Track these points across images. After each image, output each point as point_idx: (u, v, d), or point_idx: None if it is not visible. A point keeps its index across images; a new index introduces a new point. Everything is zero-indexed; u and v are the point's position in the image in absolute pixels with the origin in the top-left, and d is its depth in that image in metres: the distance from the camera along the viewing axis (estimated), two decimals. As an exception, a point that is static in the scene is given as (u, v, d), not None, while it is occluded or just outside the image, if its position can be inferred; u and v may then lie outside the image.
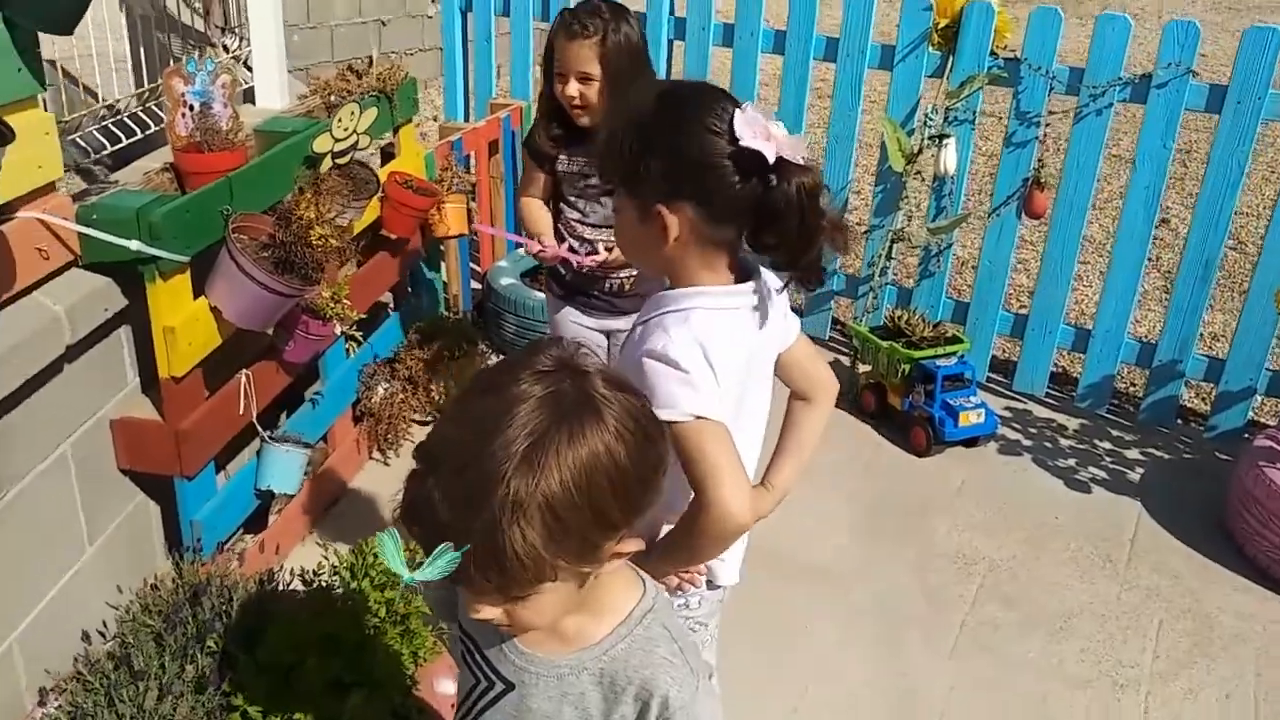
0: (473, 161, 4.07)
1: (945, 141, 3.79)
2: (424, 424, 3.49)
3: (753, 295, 1.58)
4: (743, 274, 1.57)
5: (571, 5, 2.53)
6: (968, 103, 3.79)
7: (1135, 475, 3.59)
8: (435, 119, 6.20)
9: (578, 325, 2.63)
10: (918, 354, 3.65)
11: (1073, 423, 3.88)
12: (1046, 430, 3.83)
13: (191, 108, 2.62)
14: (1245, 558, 3.18)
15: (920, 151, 3.85)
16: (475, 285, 4.30)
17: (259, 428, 2.71)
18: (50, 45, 3.06)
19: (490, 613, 1.16)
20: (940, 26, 3.76)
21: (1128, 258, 3.78)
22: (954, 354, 3.69)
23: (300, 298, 2.61)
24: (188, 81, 2.61)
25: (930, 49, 3.81)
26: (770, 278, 1.59)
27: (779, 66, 4.10)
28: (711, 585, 1.80)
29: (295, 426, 2.91)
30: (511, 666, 1.29)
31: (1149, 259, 5.13)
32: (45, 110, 2.35)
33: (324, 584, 2.32)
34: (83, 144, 3.10)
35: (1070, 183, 3.77)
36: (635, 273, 2.53)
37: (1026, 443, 3.75)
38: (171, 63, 3.01)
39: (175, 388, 2.44)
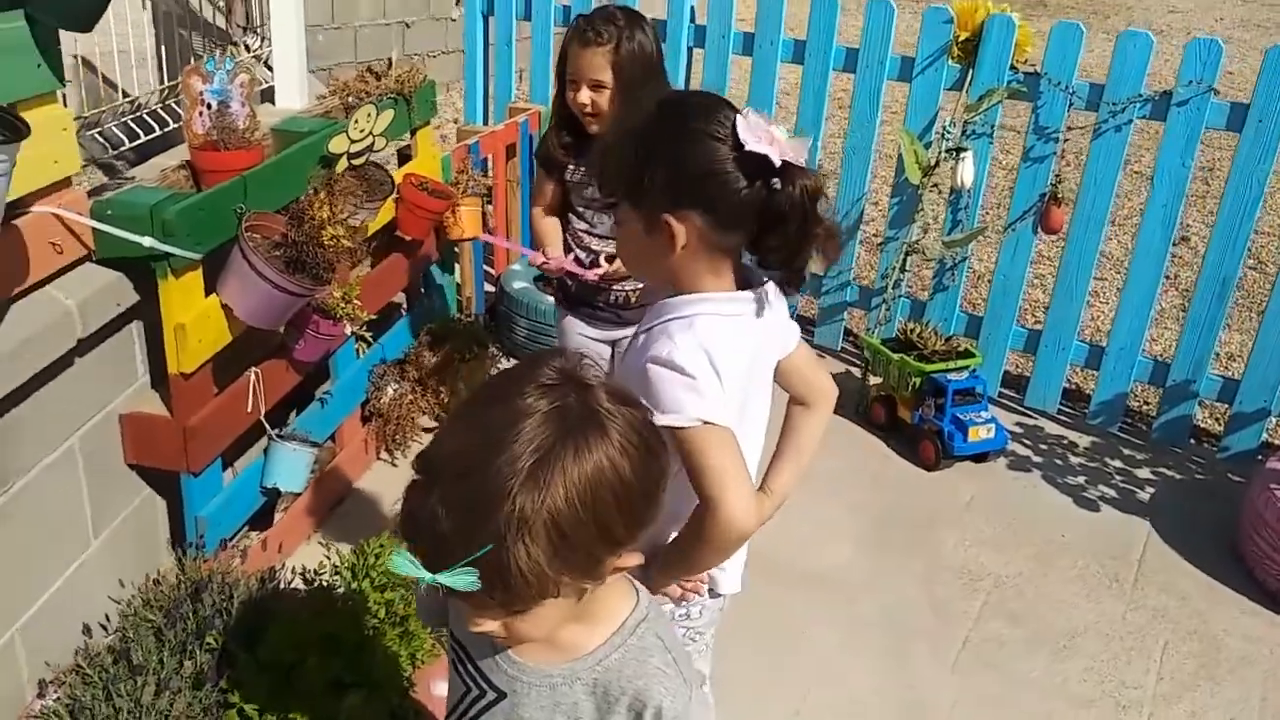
0: (490, 165, 4.08)
1: (962, 155, 3.77)
2: (431, 429, 3.50)
3: (755, 302, 1.58)
4: (744, 281, 1.58)
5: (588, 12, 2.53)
6: (986, 116, 3.78)
7: (1145, 495, 3.57)
8: (456, 121, 6.22)
9: (583, 336, 2.62)
10: (929, 367, 3.64)
11: (1084, 440, 3.86)
12: (1057, 447, 3.81)
13: (209, 106, 2.64)
14: (1255, 580, 3.16)
15: (937, 164, 3.84)
16: (489, 288, 4.31)
17: (267, 425, 2.73)
18: (76, 40, 3.09)
19: (489, 626, 1.16)
20: (961, 39, 3.75)
21: (1144, 275, 3.75)
22: (965, 368, 3.67)
23: (311, 297, 2.63)
24: (206, 80, 2.63)
25: (950, 62, 3.81)
26: (771, 285, 1.60)
27: (798, 76, 4.09)
28: (713, 594, 1.80)
29: (304, 425, 2.93)
30: (504, 675, 1.28)
31: (1167, 277, 5.12)
32: (64, 106, 2.38)
33: (325, 584, 2.33)
34: (101, 140, 3.13)
35: (1087, 199, 3.75)
36: (640, 285, 2.52)
37: (1037, 459, 3.73)
38: (193, 60, 3.04)
39: (184, 384, 2.46)
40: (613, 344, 2.61)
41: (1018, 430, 3.88)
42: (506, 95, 4.74)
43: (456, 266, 3.93)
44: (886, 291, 4.06)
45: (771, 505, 1.77)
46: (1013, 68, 3.71)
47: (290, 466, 2.77)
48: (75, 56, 3.20)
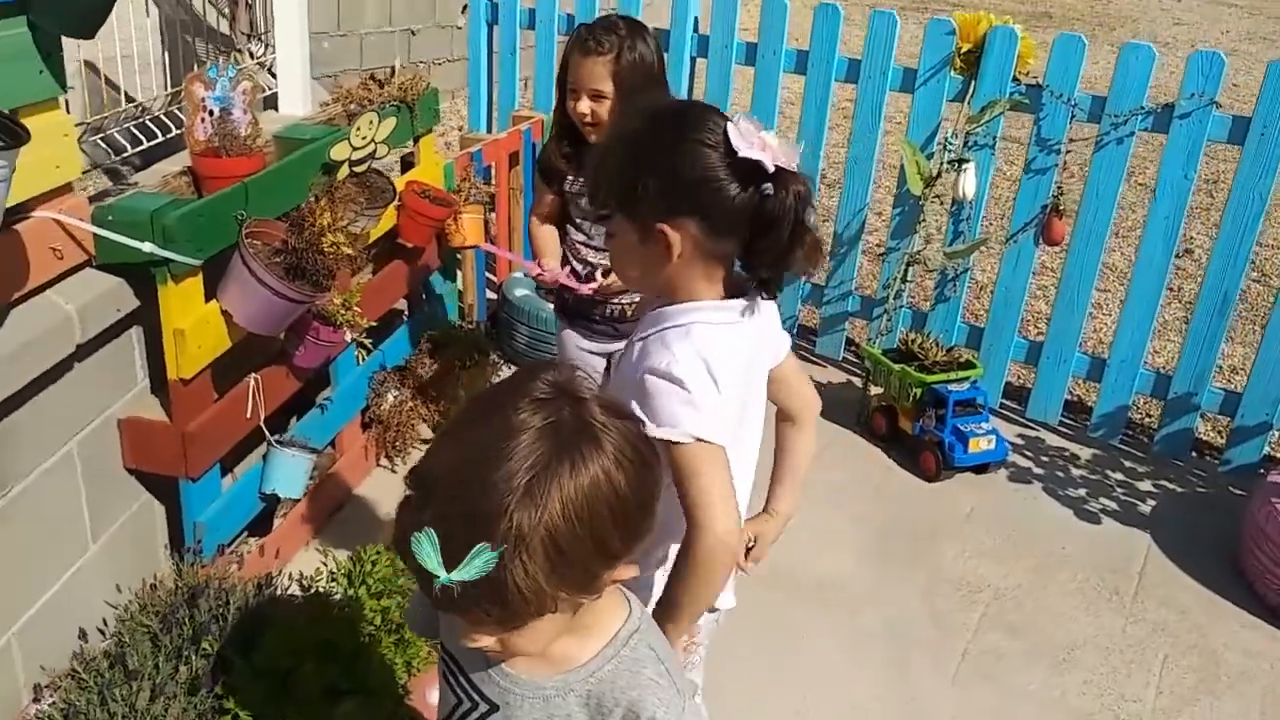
0: (493, 172, 4.09)
1: (964, 166, 3.78)
2: (431, 438, 3.50)
3: (749, 309, 1.58)
4: (736, 289, 1.58)
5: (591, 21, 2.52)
6: (988, 128, 3.78)
7: (1146, 507, 3.56)
8: (460, 129, 6.24)
9: (579, 348, 2.61)
10: (930, 378, 3.63)
11: (1085, 452, 3.86)
12: (1058, 459, 3.80)
13: (211, 113, 2.65)
14: (1255, 594, 3.15)
15: (939, 175, 3.84)
16: (491, 295, 4.32)
17: (266, 431, 2.73)
18: (79, 46, 3.10)
19: (485, 641, 1.16)
20: (963, 51, 3.76)
21: (1146, 288, 3.75)
22: (966, 379, 3.67)
23: (311, 304, 2.63)
24: (208, 87, 2.64)
25: (952, 73, 3.81)
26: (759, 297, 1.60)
27: (801, 86, 4.10)
28: (709, 609, 1.80)
29: (303, 431, 2.93)
30: (496, 688, 1.27)
31: (1170, 289, 5.13)
32: (66, 112, 2.39)
33: (321, 590, 2.33)
34: (104, 145, 3.14)
35: (1089, 211, 3.75)
36: (637, 299, 2.50)
37: (1038, 471, 3.72)
38: (196, 67, 3.05)
39: (183, 389, 2.46)
40: (609, 357, 2.60)
41: (1019, 442, 3.87)
42: (510, 103, 4.76)
43: (458, 274, 3.94)
44: (888, 302, 4.06)
45: (777, 527, 1.82)
46: (1015, 79, 3.71)
47: (289, 472, 2.77)
48: (80, 61, 3.22)
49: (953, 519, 3.44)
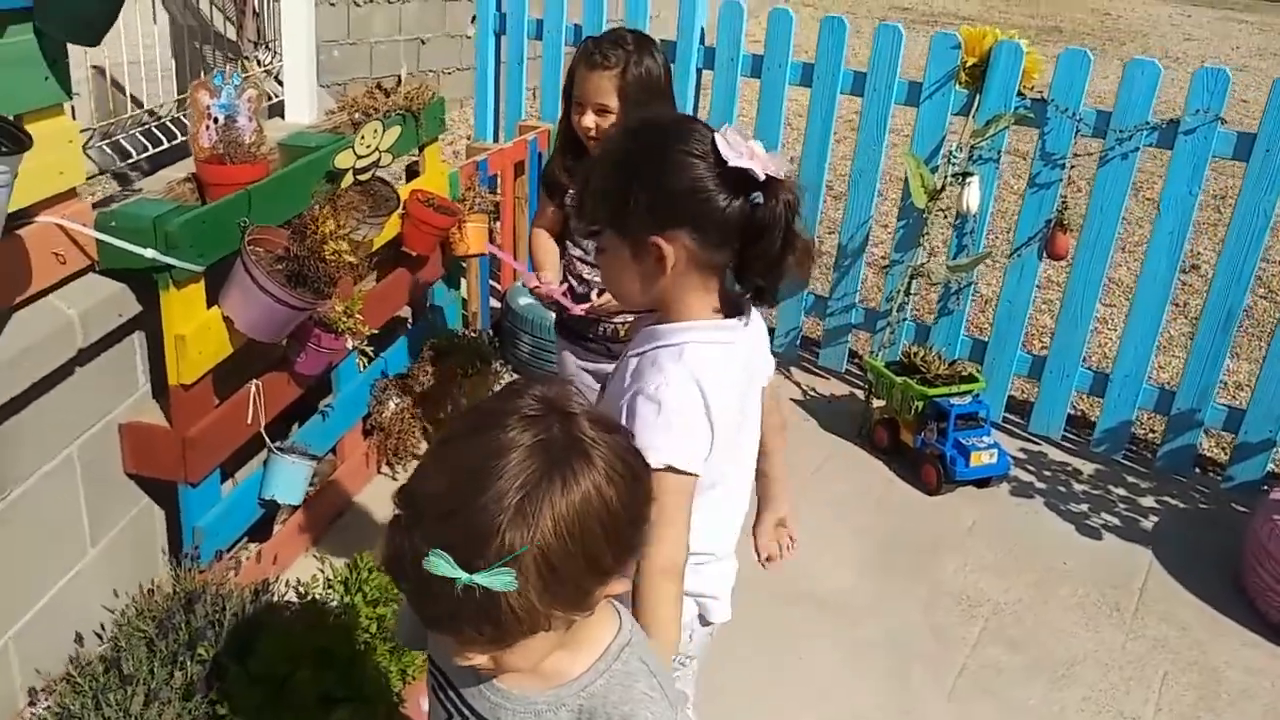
0: (498, 182, 4.10)
1: (969, 180, 3.78)
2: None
3: (743, 329, 1.58)
4: (732, 304, 1.58)
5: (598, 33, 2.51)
6: (993, 142, 3.78)
7: (1149, 523, 3.55)
8: (468, 138, 6.26)
9: (575, 366, 2.60)
10: (932, 391, 3.63)
11: (1088, 467, 3.84)
12: (1061, 474, 3.79)
13: (216, 120, 2.66)
14: (1257, 612, 3.13)
15: (943, 188, 3.84)
16: (495, 304, 4.33)
17: (266, 438, 2.74)
18: (86, 53, 3.13)
19: (477, 659, 1.15)
20: (968, 65, 3.76)
21: (1150, 303, 3.74)
22: (968, 393, 3.66)
23: (312, 311, 2.64)
24: (213, 95, 2.65)
25: (957, 87, 3.81)
26: (755, 311, 1.61)
27: (807, 99, 4.10)
28: (704, 621, 1.80)
29: (305, 438, 2.94)
30: (487, 704, 1.26)
31: (1176, 305, 5.12)
32: (72, 118, 2.40)
33: (317, 597, 2.33)
34: (110, 151, 3.16)
35: (1093, 226, 3.74)
36: (630, 319, 2.46)
37: (1040, 485, 3.71)
38: (204, 74, 3.07)
39: (184, 395, 2.47)
40: (603, 378, 2.57)
41: (1021, 456, 3.87)
42: (517, 113, 4.77)
43: (462, 282, 3.95)
44: (891, 314, 4.05)
45: (791, 528, 2.03)
46: (1020, 94, 3.71)
47: (288, 479, 2.78)
48: (88, 67, 3.24)
49: (954, 532, 3.43)
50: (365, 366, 3.25)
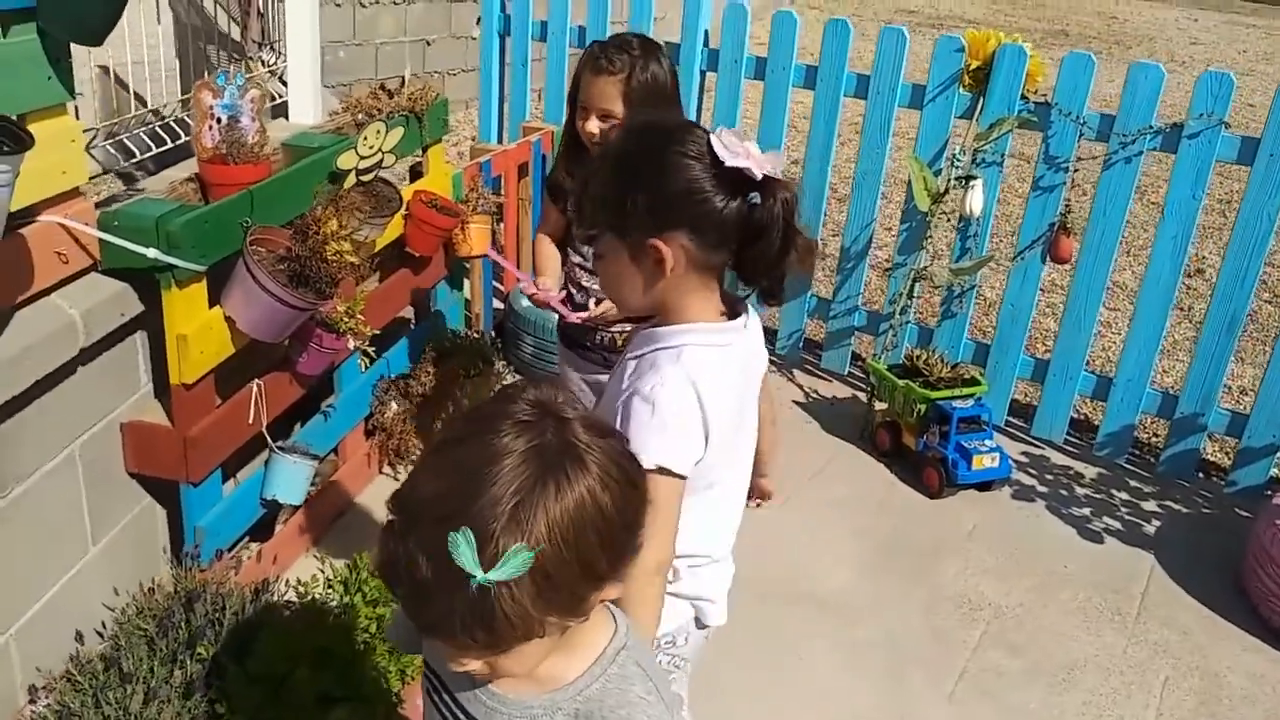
0: (502, 183, 4.11)
1: (972, 183, 3.78)
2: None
3: (742, 330, 1.59)
4: (731, 309, 1.58)
5: (605, 37, 2.49)
6: (996, 145, 3.78)
7: (1151, 528, 3.54)
8: (474, 139, 6.26)
9: (575, 374, 2.58)
10: (934, 394, 3.63)
11: (1090, 471, 3.84)
12: (1063, 478, 3.79)
13: (219, 120, 2.67)
14: (1259, 617, 3.13)
15: (947, 191, 3.84)
16: (498, 305, 4.33)
17: (268, 437, 2.74)
18: (90, 53, 3.14)
19: (472, 665, 1.14)
20: (972, 68, 3.76)
21: (1153, 307, 3.74)
22: (971, 396, 3.66)
23: (314, 311, 2.64)
24: (216, 95, 2.66)
25: (961, 90, 3.81)
26: (751, 310, 1.61)
27: (811, 101, 4.10)
28: (700, 624, 1.80)
29: (306, 438, 2.94)
30: (482, 708, 1.26)
31: (1181, 309, 5.11)
32: (76, 118, 2.41)
33: (317, 597, 2.33)
34: (114, 151, 3.17)
35: (1096, 230, 3.74)
36: (628, 328, 2.41)
37: (1042, 489, 3.70)
38: (208, 73, 3.08)
39: (186, 394, 2.48)
40: (599, 387, 2.54)
41: (1023, 460, 3.86)
42: (521, 114, 4.78)
43: (466, 283, 3.95)
44: (894, 317, 4.05)
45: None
46: (1024, 97, 3.71)
47: (289, 479, 2.78)
48: (91, 66, 3.25)
49: (955, 536, 3.43)
50: (367, 367, 3.25)
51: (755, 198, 1.45)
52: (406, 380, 3.46)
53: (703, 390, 1.50)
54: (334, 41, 6.25)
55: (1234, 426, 3.74)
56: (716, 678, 2.61)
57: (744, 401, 1.66)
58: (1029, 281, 3.90)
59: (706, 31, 4.30)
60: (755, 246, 1.49)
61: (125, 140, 3.24)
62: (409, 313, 3.68)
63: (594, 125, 2.40)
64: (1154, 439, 4.04)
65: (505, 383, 3.76)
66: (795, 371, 4.33)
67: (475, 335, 3.90)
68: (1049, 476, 3.79)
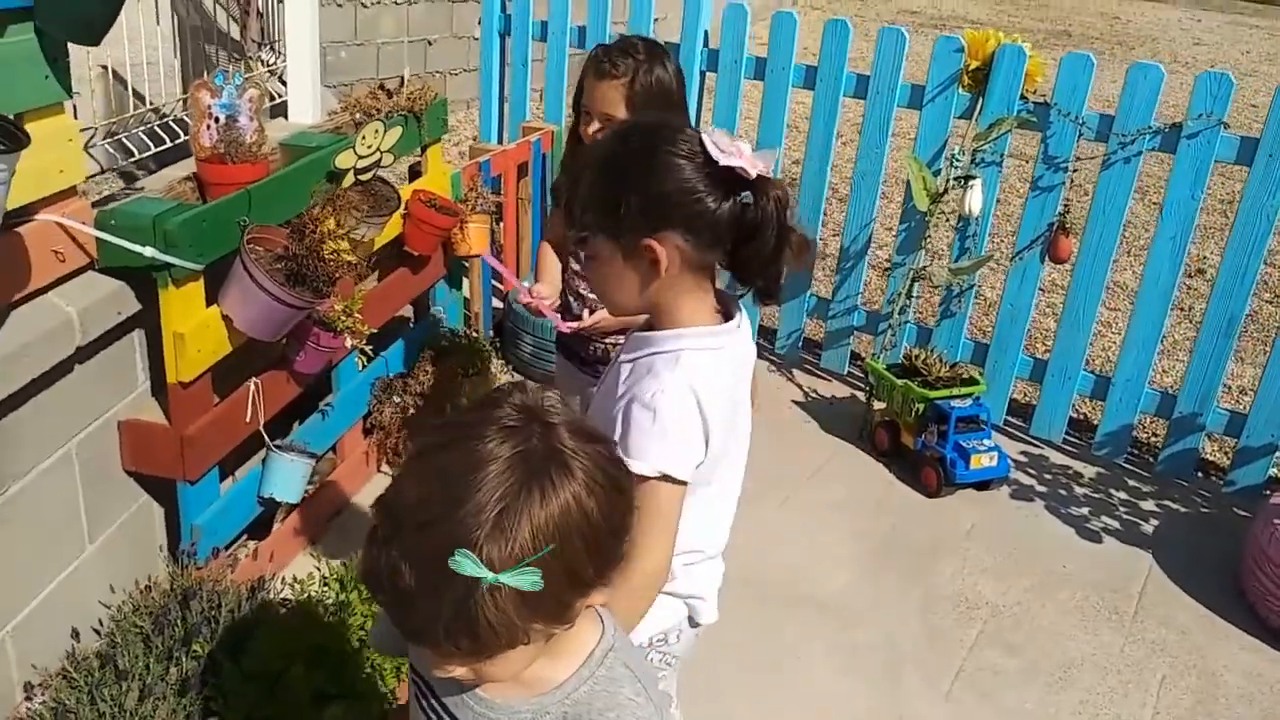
0: (501, 183, 4.11)
1: (971, 183, 3.78)
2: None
3: (735, 332, 1.59)
4: (725, 310, 1.59)
5: (605, 37, 2.47)
6: (995, 145, 3.78)
7: (1149, 527, 3.54)
8: (474, 139, 6.27)
9: (570, 382, 2.55)
10: (932, 394, 3.63)
11: (1089, 470, 3.84)
12: (1061, 477, 3.79)
13: (217, 120, 2.67)
14: (1257, 617, 3.12)
15: (946, 191, 3.84)
16: (497, 304, 4.34)
17: (265, 436, 2.75)
18: (89, 53, 3.14)
19: (457, 671, 1.13)
20: (971, 68, 3.76)
21: (1151, 307, 3.74)
22: (969, 395, 3.66)
23: (311, 310, 2.65)
24: (214, 94, 2.66)
25: (960, 90, 3.81)
26: (744, 312, 1.61)
27: (810, 101, 4.11)
28: (693, 624, 1.80)
29: (304, 436, 2.95)
30: (470, 713, 1.25)
31: (1181, 309, 5.11)
32: (74, 117, 2.41)
33: (312, 595, 2.34)
34: (113, 150, 3.17)
35: (1096, 229, 3.74)
36: (623, 339, 2.42)
37: (1040, 488, 3.70)
38: (208, 73, 3.08)
39: (183, 393, 2.48)
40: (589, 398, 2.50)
41: (1022, 459, 3.86)
42: (521, 114, 4.78)
43: (465, 282, 3.95)
44: (893, 317, 4.05)
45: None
46: (1023, 97, 3.71)
47: (287, 477, 2.79)
48: (89, 65, 3.25)
49: (953, 535, 3.43)
50: (365, 366, 3.26)
51: (748, 197, 1.45)
52: (405, 379, 3.46)
53: (701, 395, 1.50)
54: (335, 41, 6.26)
55: (1233, 426, 3.74)
56: (716, 679, 2.61)
57: (736, 400, 1.66)
58: (1028, 281, 3.90)
59: (706, 32, 4.30)
60: (750, 245, 1.49)
61: (125, 139, 3.24)
62: (408, 312, 3.68)
63: (596, 129, 2.36)
64: (1153, 439, 4.04)
65: (503, 382, 3.76)
66: (794, 371, 4.33)
67: (473, 334, 3.91)
68: (1047, 476, 3.78)
